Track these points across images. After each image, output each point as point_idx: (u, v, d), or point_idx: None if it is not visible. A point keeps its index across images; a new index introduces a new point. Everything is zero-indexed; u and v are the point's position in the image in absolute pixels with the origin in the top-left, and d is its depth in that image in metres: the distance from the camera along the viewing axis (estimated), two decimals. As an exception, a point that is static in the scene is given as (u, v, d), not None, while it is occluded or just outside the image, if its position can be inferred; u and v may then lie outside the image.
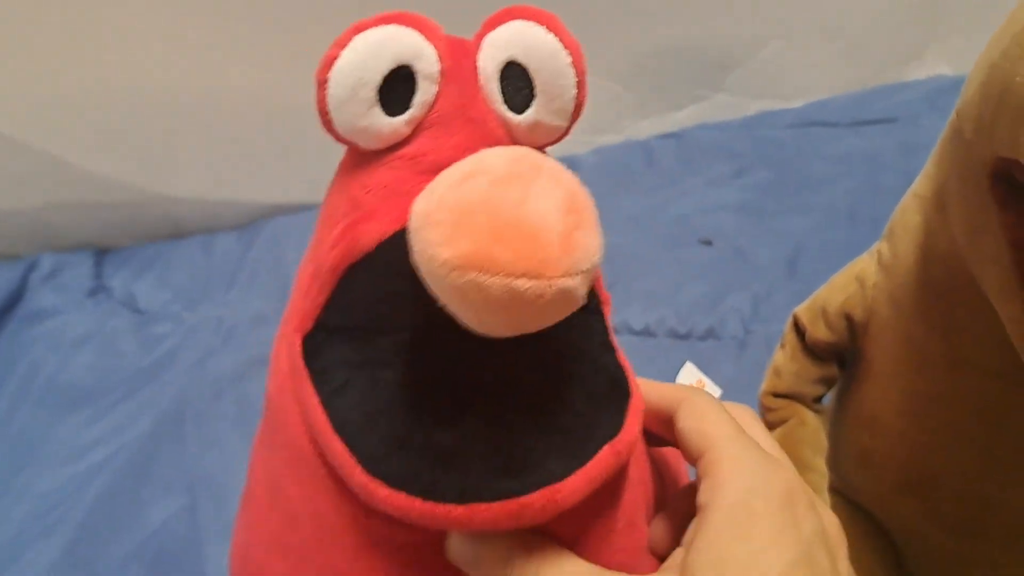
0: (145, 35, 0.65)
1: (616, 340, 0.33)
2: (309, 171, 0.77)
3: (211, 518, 0.50)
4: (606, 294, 0.34)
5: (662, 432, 0.31)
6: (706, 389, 0.42)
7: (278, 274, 0.70)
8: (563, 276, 0.23)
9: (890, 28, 0.85)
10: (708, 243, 0.67)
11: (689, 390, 0.31)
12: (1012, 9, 0.29)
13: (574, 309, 0.25)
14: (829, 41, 0.83)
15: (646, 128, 0.82)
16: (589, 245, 0.24)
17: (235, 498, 0.37)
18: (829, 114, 0.80)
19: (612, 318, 0.69)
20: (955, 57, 0.87)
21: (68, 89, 0.65)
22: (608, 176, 0.77)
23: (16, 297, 0.68)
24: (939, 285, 0.34)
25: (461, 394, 0.28)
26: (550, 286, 0.23)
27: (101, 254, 0.74)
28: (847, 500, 0.41)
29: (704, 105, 0.82)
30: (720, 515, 0.26)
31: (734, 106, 0.83)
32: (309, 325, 0.30)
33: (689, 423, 0.29)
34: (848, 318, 0.40)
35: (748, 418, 0.30)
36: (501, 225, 0.23)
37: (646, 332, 0.60)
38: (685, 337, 0.59)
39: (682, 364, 0.48)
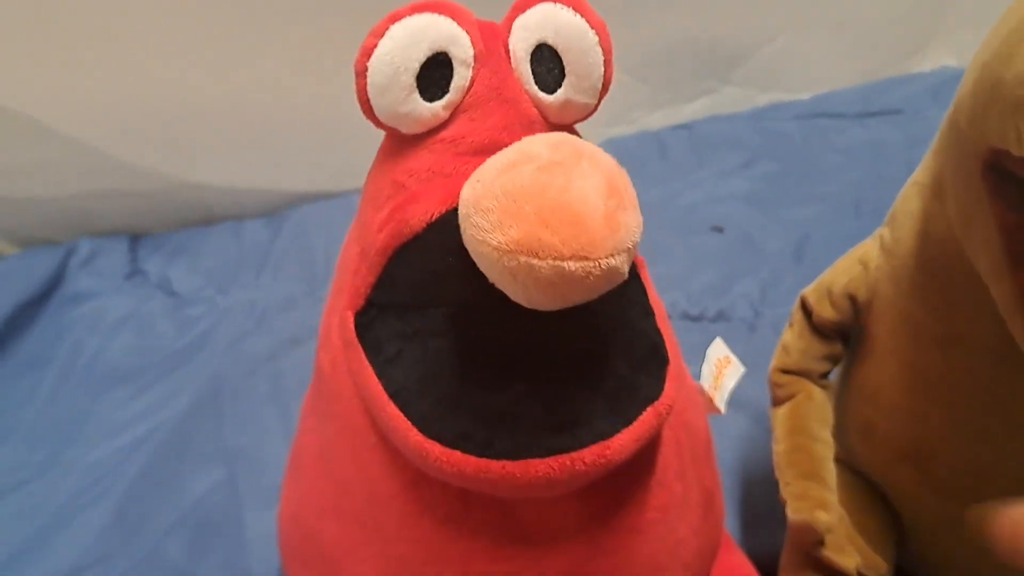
0: (177, 33, 0.68)
1: (655, 297, 0.35)
2: (334, 161, 0.80)
3: (249, 488, 0.52)
4: (640, 257, 0.36)
5: None
6: (732, 366, 0.44)
7: (305, 259, 0.72)
8: (608, 256, 0.25)
9: (896, 21, 0.87)
10: (720, 230, 0.70)
11: None
12: (1007, 7, 0.31)
13: (618, 284, 0.27)
14: (836, 34, 0.85)
15: (658, 120, 0.84)
16: (631, 224, 0.26)
17: (271, 469, 0.39)
18: (836, 106, 0.82)
19: None
20: (960, 50, 0.88)
21: (105, 85, 0.68)
22: (622, 167, 0.78)
23: (56, 280, 0.70)
24: (935, 266, 0.35)
25: (510, 360, 0.30)
26: (597, 265, 0.25)
27: (136, 239, 0.76)
28: (851, 469, 0.43)
29: (714, 97, 0.85)
30: None
31: (743, 98, 0.85)
32: (360, 302, 0.32)
33: None
34: (852, 298, 0.42)
35: None
36: (548, 210, 0.24)
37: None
38: (697, 319, 0.62)
39: (707, 343, 0.50)
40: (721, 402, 0.42)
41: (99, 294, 0.70)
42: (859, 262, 0.42)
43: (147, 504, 0.52)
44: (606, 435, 0.28)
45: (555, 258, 0.24)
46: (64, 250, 0.73)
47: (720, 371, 0.44)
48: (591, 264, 0.25)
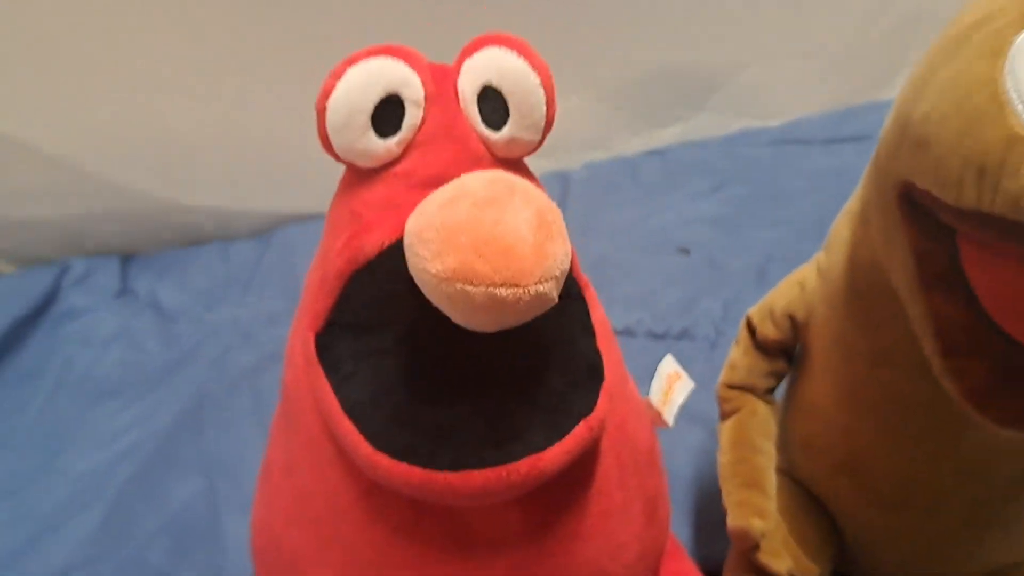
0: (170, 64, 0.71)
1: (600, 316, 0.37)
2: (317, 184, 0.82)
3: (229, 497, 0.55)
4: (585, 279, 0.38)
5: None
6: (682, 381, 0.47)
7: (290, 278, 0.74)
8: (537, 283, 0.28)
9: (865, 51, 0.90)
10: (686, 252, 0.73)
11: None
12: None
13: (548, 308, 0.29)
14: (806, 64, 0.88)
15: (635, 145, 0.87)
16: (558, 253, 0.29)
17: (251, 479, 0.41)
18: (804, 133, 0.85)
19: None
20: (928, 79, 0.91)
21: (102, 113, 0.71)
22: (596, 190, 0.82)
23: (51, 298, 0.73)
24: (863, 288, 0.38)
25: (455, 378, 0.32)
26: (526, 292, 0.27)
27: (127, 259, 0.79)
28: (793, 480, 0.45)
29: (689, 124, 0.88)
30: None
31: (717, 125, 0.88)
32: (320, 324, 0.34)
33: None
34: (791, 318, 0.44)
35: None
36: (482, 242, 0.27)
37: (627, 332, 0.66)
38: (662, 337, 0.64)
39: (659, 360, 0.53)
40: (670, 416, 0.44)
41: (91, 311, 0.72)
42: (798, 284, 0.44)
43: (133, 511, 0.55)
44: (539, 448, 0.30)
45: (488, 285, 0.27)
46: (58, 269, 0.76)
47: (670, 386, 0.46)
48: (521, 290, 0.27)
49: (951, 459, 0.37)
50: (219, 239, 0.80)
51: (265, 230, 0.80)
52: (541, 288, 0.27)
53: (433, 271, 0.27)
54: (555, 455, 0.30)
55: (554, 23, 0.78)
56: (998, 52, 0.28)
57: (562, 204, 0.80)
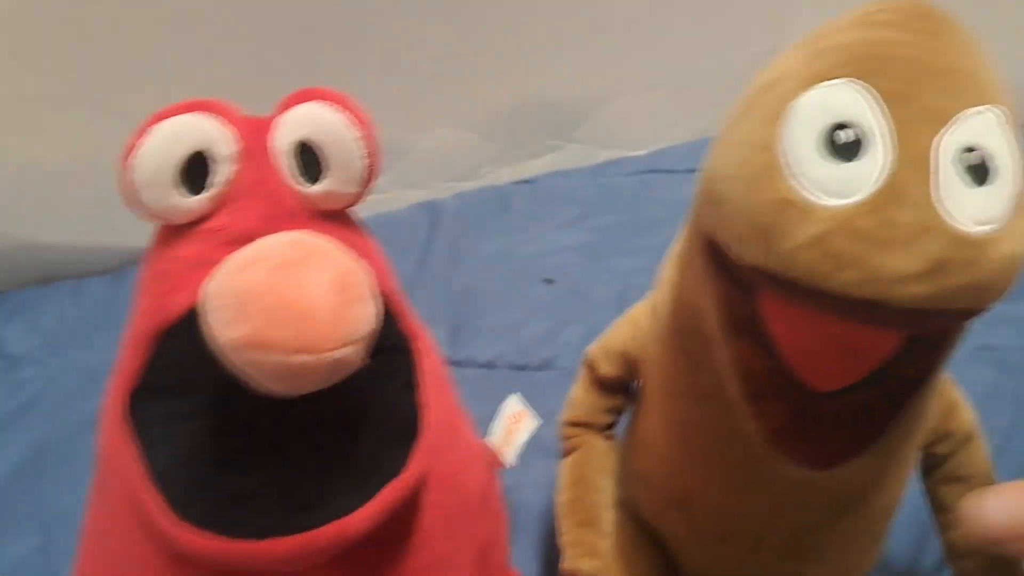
0: (15, 98, 0.67)
1: (431, 364, 0.37)
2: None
3: (66, 556, 0.52)
4: (416, 330, 0.38)
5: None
6: (526, 420, 0.47)
7: (147, 317, 0.72)
8: (335, 348, 0.27)
9: (726, 83, 0.93)
10: (550, 282, 0.73)
11: None
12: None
13: (350, 371, 0.29)
14: (671, 95, 0.90)
15: (506, 175, 0.88)
16: (360, 318, 0.28)
17: None
18: (668, 162, 0.88)
19: (458, 353, 0.73)
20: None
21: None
22: (466, 220, 0.82)
23: None
24: (685, 329, 0.39)
25: (262, 442, 0.32)
26: (323, 359, 0.27)
27: (-30, 300, 0.74)
28: (632, 515, 0.46)
29: (560, 154, 0.89)
30: None
31: (586, 155, 0.90)
32: (132, 384, 0.33)
33: None
34: (626, 356, 0.45)
35: None
36: (276, 309, 0.26)
37: (489, 365, 0.66)
38: (523, 368, 0.65)
39: (531, 392, 0.52)
40: (511, 456, 0.45)
41: (-69, 356, 0.68)
42: (632, 322, 0.45)
43: (-40, 574, 0.51)
44: (345, 513, 0.29)
45: (281, 353, 0.26)
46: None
47: (513, 425, 0.46)
48: (317, 357, 0.27)
49: (768, 493, 0.38)
50: (71, 277, 0.77)
51: (120, 267, 0.77)
52: (339, 354, 0.27)
53: (224, 339, 0.27)
54: (361, 519, 0.30)
55: (420, 55, 0.79)
56: (775, 117, 0.29)
57: (431, 235, 0.81)
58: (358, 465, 0.31)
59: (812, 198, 0.27)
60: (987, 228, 0.26)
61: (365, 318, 0.28)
